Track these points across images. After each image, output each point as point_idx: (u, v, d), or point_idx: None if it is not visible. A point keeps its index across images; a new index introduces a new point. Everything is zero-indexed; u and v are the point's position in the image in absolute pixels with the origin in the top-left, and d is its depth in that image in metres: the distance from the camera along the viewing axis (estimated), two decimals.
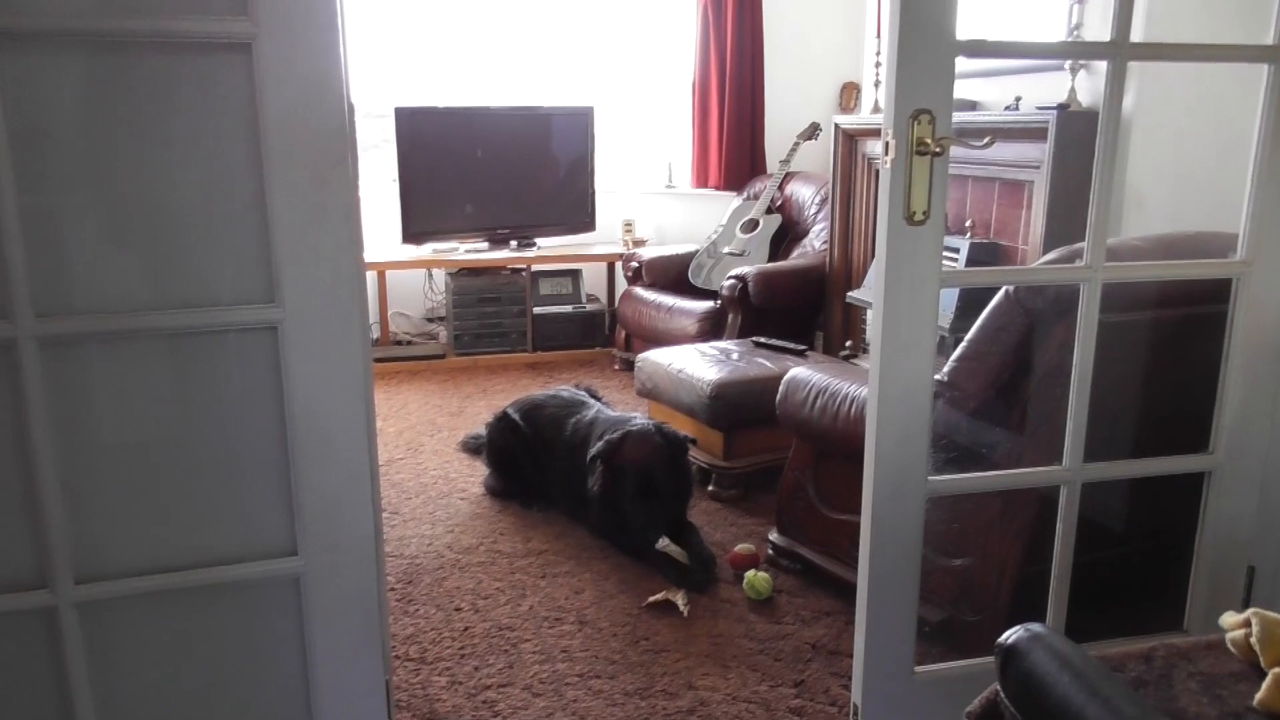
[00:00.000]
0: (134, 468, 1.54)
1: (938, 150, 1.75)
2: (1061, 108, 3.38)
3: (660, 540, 2.99)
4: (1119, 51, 1.85)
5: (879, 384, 1.86)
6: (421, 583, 2.97)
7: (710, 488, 3.59)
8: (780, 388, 2.89)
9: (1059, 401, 2.26)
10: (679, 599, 2.80)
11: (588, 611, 2.79)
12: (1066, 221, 3.40)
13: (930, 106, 1.75)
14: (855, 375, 2.81)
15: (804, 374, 2.83)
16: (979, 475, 2.00)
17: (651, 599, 2.82)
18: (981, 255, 3.76)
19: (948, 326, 3.72)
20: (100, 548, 1.54)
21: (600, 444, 3.14)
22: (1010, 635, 1.40)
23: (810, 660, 2.54)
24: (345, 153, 1.53)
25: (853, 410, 2.61)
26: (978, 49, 1.86)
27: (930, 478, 1.94)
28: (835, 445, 2.74)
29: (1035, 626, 1.41)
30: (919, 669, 2.05)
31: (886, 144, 1.78)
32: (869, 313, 4.51)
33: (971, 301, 3.79)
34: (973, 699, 2.04)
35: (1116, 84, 1.86)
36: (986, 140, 1.87)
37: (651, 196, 6.15)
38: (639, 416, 3.38)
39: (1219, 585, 2.14)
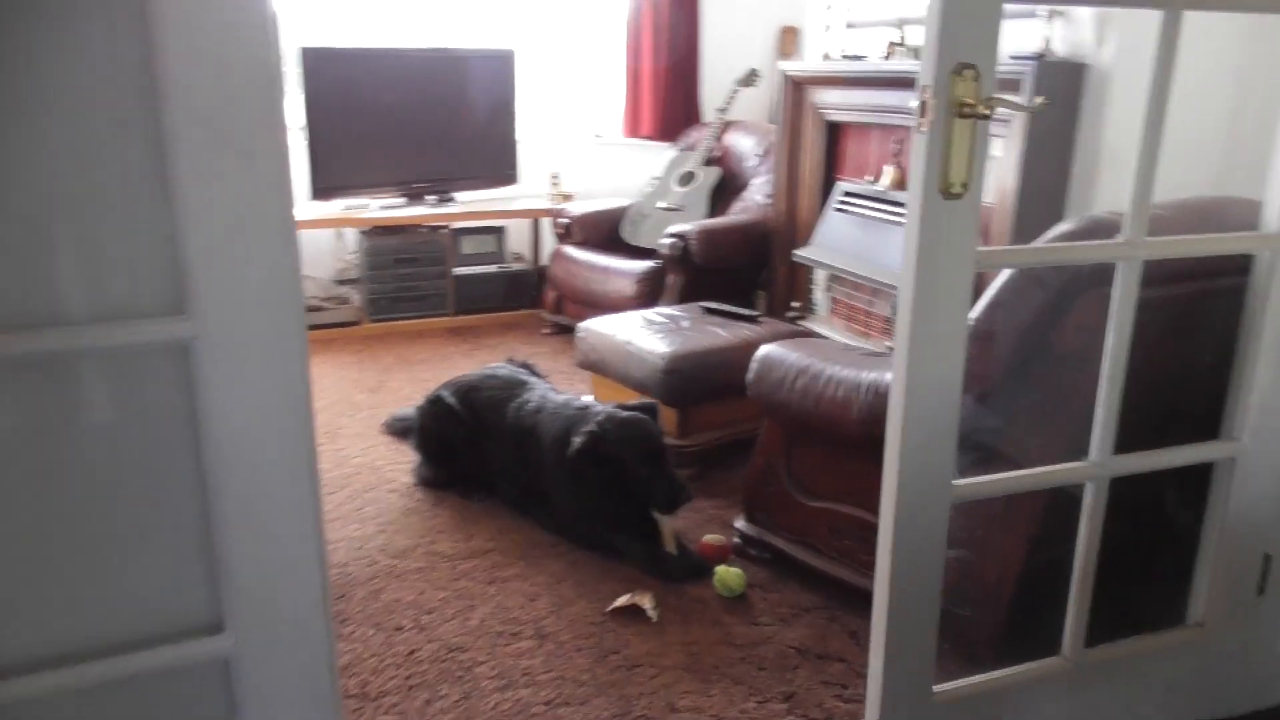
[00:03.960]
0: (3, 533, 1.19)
1: (986, 113, 1.48)
2: (1038, 58, 3.15)
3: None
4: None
5: (906, 379, 1.61)
6: (355, 597, 2.65)
7: None
8: (753, 366, 2.62)
9: (1075, 388, 2.05)
10: (646, 603, 2.54)
11: (546, 622, 2.51)
12: (1042, 177, 3.20)
13: (975, 60, 1.48)
14: (831, 352, 2.57)
15: (779, 353, 2.57)
16: (1005, 476, 1.77)
17: (616, 604, 2.56)
18: None
19: None
20: None
21: (579, 440, 2.81)
22: None
23: (797, 667, 2.32)
24: (276, 116, 1.19)
25: (838, 392, 2.37)
26: None
27: (954, 481, 1.70)
28: (815, 430, 2.49)
29: None
30: (938, 688, 1.83)
31: (923, 104, 1.50)
32: (817, 272, 4.28)
33: None
34: (995, 719, 1.85)
35: (1169, 37, 1.61)
36: (1039, 101, 1.59)
37: (579, 147, 5.78)
38: (585, 398, 3.09)
39: (1234, 574, 1.98)
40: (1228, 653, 1.99)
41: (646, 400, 2.94)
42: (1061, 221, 3.23)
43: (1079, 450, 1.97)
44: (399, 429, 3.75)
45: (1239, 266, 1.95)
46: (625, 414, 2.83)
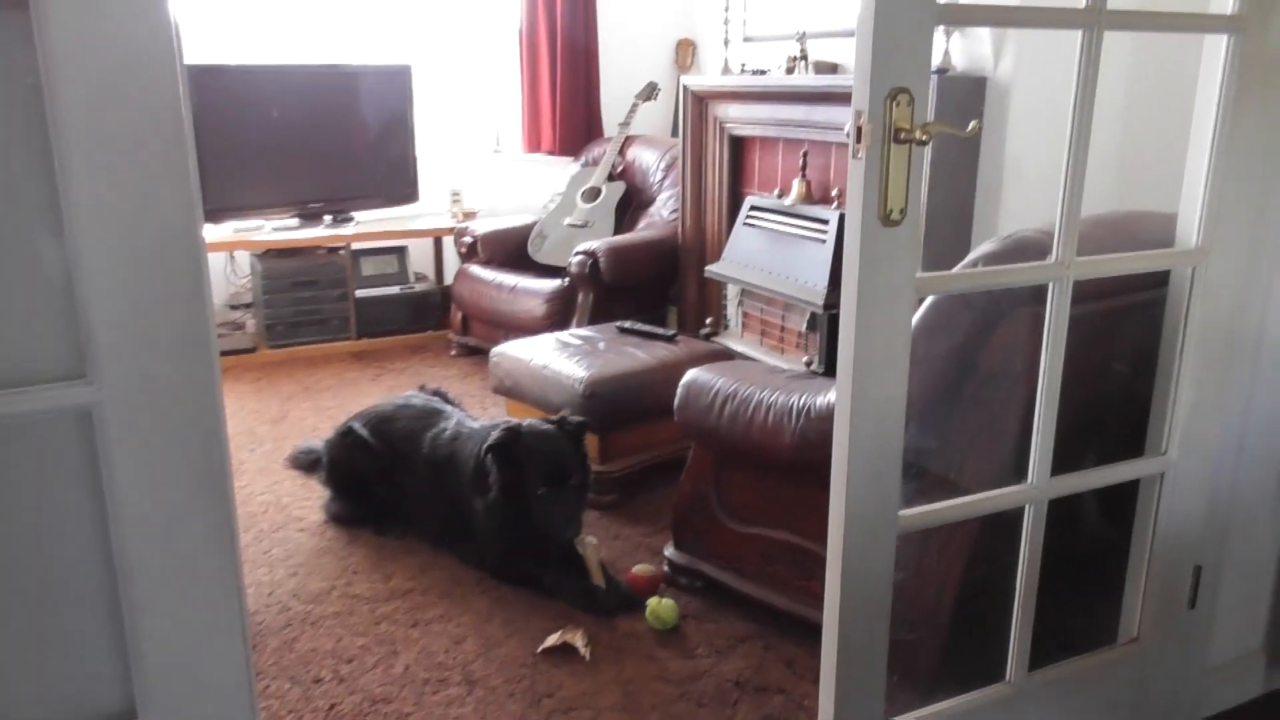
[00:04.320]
0: None
1: (922, 139, 1.45)
2: (940, 72, 3.20)
3: (582, 539, 2.73)
4: (1096, 20, 1.61)
5: (850, 411, 1.57)
6: (268, 648, 2.50)
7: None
8: (680, 392, 2.57)
9: (1004, 406, 2.06)
10: (578, 640, 2.46)
11: (474, 666, 2.41)
12: (948, 193, 3.24)
13: (908, 85, 1.46)
14: (758, 375, 2.54)
15: (706, 377, 2.52)
16: (950, 505, 1.75)
17: (547, 643, 2.47)
18: None
19: (820, 301, 3.53)
20: None
21: (496, 433, 2.73)
22: None
23: (737, 702, 2.27)
24: (183, 147, 1.08)
25: (768, 418, 2.33)
26: (960, 16, 1.57)
27: (901, 512, 1.68)
28: (746, 456, 2.45)
29: None
30: None
31: (859, 129, 1.47)
32: (729, 288, 4.27)
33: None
34: None
35: (1092, 54, 1.62)
36: (974, 125, 1.58)
37: (480, 163, 5.66)
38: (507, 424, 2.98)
39: (1166, 588, 2.01)
40: (1163, 667, 2.02)
41: (578, 418, 2.85)
42: (973, 238, 3.32)
43: (1013, 468, 1.98)
44: (305, 462, 3.59)
45: (1154, 281, 1.98)
46: (540, 426, 2.76)
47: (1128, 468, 1.93)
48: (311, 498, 3.34)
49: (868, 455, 1.60)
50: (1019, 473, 1.85)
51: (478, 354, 4.86)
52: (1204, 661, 2.07)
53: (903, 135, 1.46)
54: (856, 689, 1.74)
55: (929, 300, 1.97)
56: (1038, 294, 1.91)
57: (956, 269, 1.87)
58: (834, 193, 3.68)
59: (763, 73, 4.25)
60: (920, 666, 2.15)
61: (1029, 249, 1.90)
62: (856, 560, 1.65)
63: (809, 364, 3.67)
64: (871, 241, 1.51)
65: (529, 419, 2.85)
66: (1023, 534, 1.83)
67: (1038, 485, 1.79)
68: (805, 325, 3.75)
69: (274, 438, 3.92)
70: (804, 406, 2.26)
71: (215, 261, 5.20)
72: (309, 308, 5.02)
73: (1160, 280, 1.93)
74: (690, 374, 2.58)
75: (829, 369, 3.58)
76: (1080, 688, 1.98)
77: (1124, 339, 2.18)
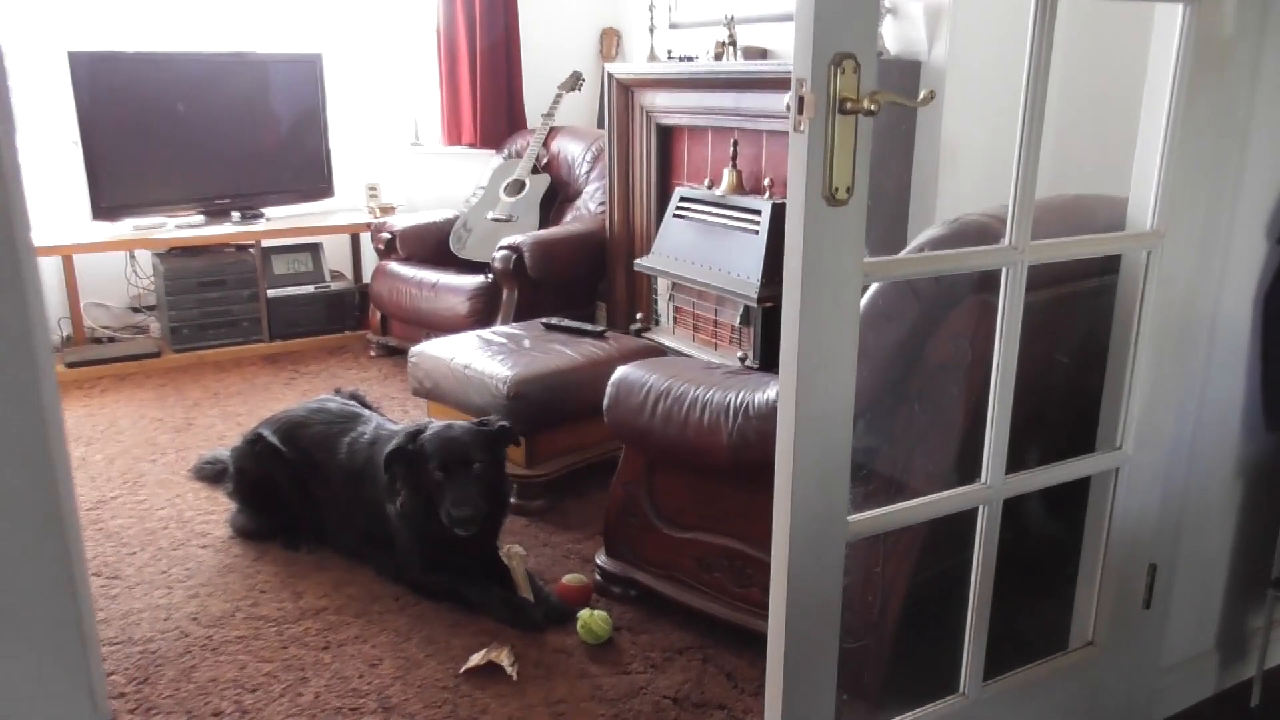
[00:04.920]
0: None
1: (871, 108, 1.32)
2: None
3: (505, 547, 2.58)
4: None
5: (795, 410, 1.44)
6: (162, 679, 2.28)
7: (513, 500, 3.07)
8: (609, 391, 2.42)
9: (953, 399, 1.95)
10: (504, 659, 2.29)
11: (391, 691, 2.23)
12: (883, 178, 3.14)
13: (855, 50, 1.33)
14: (692, 372, 2.40)
15: (637, 375, 2.38)
16: (900, 508, 1.63)
17: (470, 663, 2.30)
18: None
19: (754, 294, 3.41)
20: None
21: (395, 440, 2.58)
22: None
23: None
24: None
25: (704, 417, 2.19)
26: None
27: (849, 518, 1.55)
28: (681, 457, 2.31)
29: None
30: None
31: (800, 99, 1.33)
32: (660, 281, 4.13)
33: (778, 261, 3.49)
34: None
35: (1045, 32, 1.51)
36: (926, 94, 1.46)
37: (398, 156, 5.44)
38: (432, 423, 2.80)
39: (1121, 589, 1.92)
40: (1118, 670, 1.93)
41: (502, 422, 2.68)
42: (909, 226, 3.22)
43: (963, 466, 1.88)
44: (210, 473, 3.35)
45: (1104, 268, 1.89)
46: (457, 425, 2.61)
47: (1084, 463, 1.83)
48: (217, 511, 3.12)
49: (814, 457, 1.47)
50: (969, 471, 1.74)
51: (399, 354, 4.65)
52: (1158, 662, 1.99)
53: (849, 105, 1.32)
54: (804, 706, 1.61)
55: (873, 288, 1.85)
56: (987, 281, 1.80)
57: (904, 254, 1.76)
58: (766, 182, 3.57)
59: (690, 59, 4.12)
60: (866, 677, 2.03)
61: (976, 233, 1.79)
62: (803, 570, 1.52)
63: (744, 359, 3.55)
64: (815, 223, 1.38)
65: (450, 421, 2.67)
66: (976, 536, 1.72)
67: (992, 484, 1.68)
68: (739, 319, 3.63)
69: (177, 447, 3.66)
70: (742, 404, 2.12)
71: (115, 262, 4.91)
72: (217, 309, 4.75)
73: (1110, 266, 1.84)
74: (620, 371, 2.43)
75: (765, 364, 3.46)
76: (1035, 695, 1.88)
77: (1071, 329, 2.09)
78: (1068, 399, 2.15)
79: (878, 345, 1.86)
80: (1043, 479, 1.77)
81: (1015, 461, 1.73)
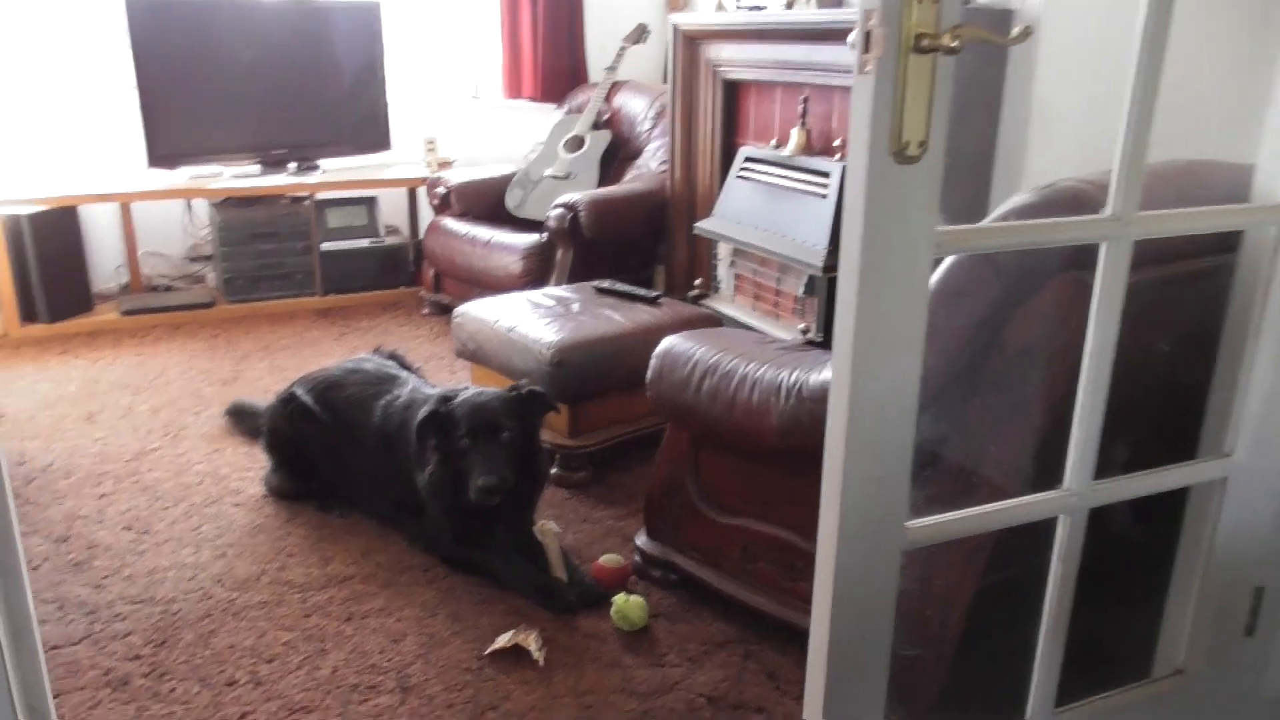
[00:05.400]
0: None
1: (952, 45, 1.12)
2: (962, 3, 2.83)
3: (539, 523, 2.45)
4: None
5: (849, 399, 1.25)
6: (180, 643, 2.19)
7: (555, 471, 2.93)
8: (653, 363, 2.25)
9: (1033, 391, 1.74)
10: (531, 643, 2.16)
11: (412, 670, 2.11)
12: (965, 139, 2.89)
13: None
14: (744, 346, 2.21)
15: (684, 347, 2.20)
16: (968, 515, 1.44)
17: (496, 644, 2.17)
18: None
19: (820, 263, 3.20)
20: None
21: (426, 406, 2.45)
22: None
23: None
24: None
25: (753, 397, 2.01)
26: None
27: (908, 523, 1.36)
28: (727, 439, 2.14)
29: None
30: None
31: (867, 34, 1.13)
32: (720, 246, 3.93)
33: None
34: None
35: None
36: (1022, 29, 1.25)
37: (457, 110, 5.29)
38: (468, 389, 2.66)
39: (1221, 612, 1.70)
40: (1212, 702, 1.71)
41: (534, 387, 2.53)
42: (991, 196, 2.97)
43: (1038, 467, 1.67)
44: (243, 417, 3.28)
45: (1220, 245, 1.66)
46: (488, 391, 2.47)
47: (1186, 471, 1.62)
48: (253, 469, 3.03)
49: (870, 453, 1.29)
50: (1048, 474, 1.54)
51: (451, 313, 4.53)
52: (1260, 695, 1.76)
53: (926, 42, 1.12)
54: None
55: (947, 262, 1.64)
56: (1081, 257, 1.58)
57: (987, 221, 1.55)
58: (836, 143, 3.34)
59: (760, 8, 3.88)
60: (918, 690, 1.85)
61: (1071, 202, 1.57)
62: (852, 580, 1.34)
63: (805, 332, 3.34)
64: (880, 182, 1.18)
65: (484, 388, 2.53)
66: (1055, 548, 1.52)
67: (1076, 492, 1.47)
68: (802, 289, 3.42)
69: (221, 400, 3.59)
70: (795, 384, 1.93)
71: (172, 211, 4.87)
72: (271, 261, 4.68)
73: (1228, 244, 1.60)
74: (666, 342, 2.26)
75: (828, 339, 3.26)
76: None
77: (1175, 314, 1.86)
78: (1164, 394, 1.92)
79: (948, 326, 1.65)
80: (1135, 487, 1.56)
81: (1101, 464, 1.52)
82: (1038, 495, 1.48)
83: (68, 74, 4.55)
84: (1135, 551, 2.00)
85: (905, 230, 1.21)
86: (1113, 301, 1.39)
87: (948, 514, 1.42)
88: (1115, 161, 1.35)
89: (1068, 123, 2.73)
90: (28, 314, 4.26)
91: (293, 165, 4.80)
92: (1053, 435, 1.67)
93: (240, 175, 4.71)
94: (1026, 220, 1.53)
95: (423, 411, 2.42)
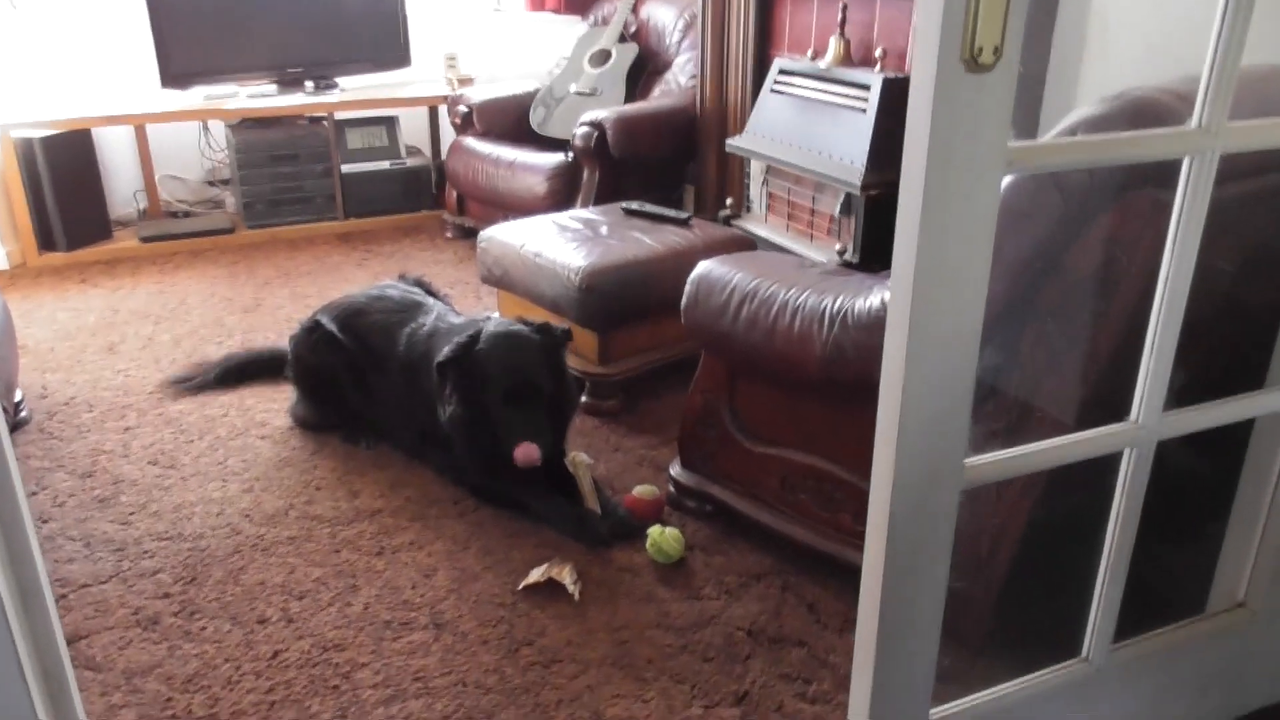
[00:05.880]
0: None
1: None
2: None
3: (571, 454, 2.39)
4: None
5: (909, 330, 1.16)
6: (209, 580, 2.16)
7: (585, 399, 2.86)
8: (688, 289, 2.15)
9: (1098, 318, 1.64)
10: (565, 577, 2.11)
11: (444, 606, 2.07)
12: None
13: None
14: (783, 270, 2.11)
15: (721, 272, 2.10)
16: (1028, 451, 1.35)
17: (529, 579, 2.12)
18: (900, 97, 3.06)
19: (857, 181, 3.07)
20: None
21: (449, 348, 2.36)
22: None
23: (749, 657, 1.92)
24: None
25: (795, 324, 1.91)
26: None
27: (966, 461, 1.28)
28: (766, 368, 2.05)
29: None
30: (936, 711, 1.44)
31: None
32: (753, 164, 3.78)
33: (887, 143, 3.12)
34: None
35: None
36: None
37: (478, 24, 5.11)
38: (493, 318, 2.58)
39: None
40: (1274, 636, 1.64)
41: (554, 325, 2.44)
42: (1042, 112, 2.81)
43: (1099, 397, 1.58)
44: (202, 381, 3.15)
45: None
46: (510, 329, 2.37)
47: (1261, 400, 1.51)
48: (278, 400, 2.99)
49: (929, 388, 1.19)
50: (1110, 405, 1.44)
51: (475, 237, 4.42)
52: None
53: None
54: (900, 674, 1.37)
55: (1008, 181, 1.52)
56: (1152, 173, 1.47)
57: (1051, 136, 1.42)
58: (878, 53, 3.17)
59: None
60: (967, 622, 1.78)
61: (1146, 113, 1.44)
62: (907, 519, 1.26)
63: (842, 253, 3.22)
64: (950, 94, 1.06)
65: (501, 319, 2.45)
66: (1119, 482, 1.43)
67: (1145, 424, 1.38)
68: (839, 209, 3.29)
69: (244, 329, 3.54)
70: (840, 311, 1.83)
71: (188, 133, 4.76)
72: (290, 184, 4.58)
73: None
74: (701, 267, 2.15)
75: (865, 261, 3.14)
76: (1172, 662, 1.62)
77: (1245, 236, 1.73)
78: (1229, 319, 1.81)
79: (1010, 250, 1.55)
80: (1207, 418, 1.46)
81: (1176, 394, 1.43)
82: (1104, 429, 1.39)
83: None
84: (1191, 480, 1.91)
85: (975, 147, 1.09)
86: (1194, 222, 1.28)
87: (1009, 450, 1.33)
88: (1205, 66, 1.22)
89: (1127, 37, 2.55)
90: (45, 242, 4.20)
91: (310, 84, 4.66)
92: (1117, 364, 1.57)
93: (256, 95, 4.58)
94: (1096, 134, 1.41)
95: (444, 353, 2.33)
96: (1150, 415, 1.38)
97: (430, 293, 2.93)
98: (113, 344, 3.41)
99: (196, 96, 4.47)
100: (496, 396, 2.29)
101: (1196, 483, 1.82)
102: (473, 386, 2.33)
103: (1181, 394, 1.55)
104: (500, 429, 2.31)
